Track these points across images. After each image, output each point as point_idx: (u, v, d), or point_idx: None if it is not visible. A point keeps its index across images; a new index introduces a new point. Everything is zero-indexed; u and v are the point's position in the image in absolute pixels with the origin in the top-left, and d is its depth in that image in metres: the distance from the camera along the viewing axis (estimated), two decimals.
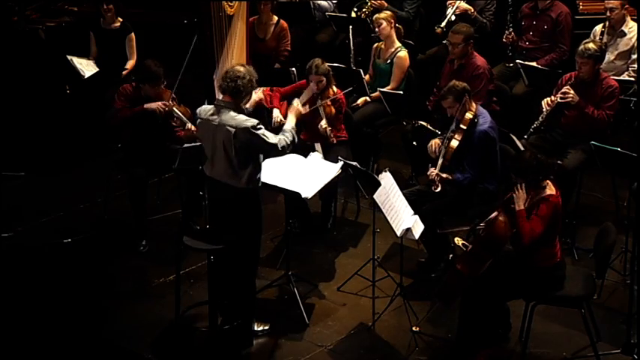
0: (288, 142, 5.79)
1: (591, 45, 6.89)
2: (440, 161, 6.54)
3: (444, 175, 6.52)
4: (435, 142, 6.71)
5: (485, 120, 6.56)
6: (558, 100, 6.93)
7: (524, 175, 5.61)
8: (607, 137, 6.82)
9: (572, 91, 6.89)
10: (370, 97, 8.00)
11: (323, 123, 7.12)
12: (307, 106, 6.99)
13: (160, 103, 7.06)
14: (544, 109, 6.96)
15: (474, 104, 6.58)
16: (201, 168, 6.07)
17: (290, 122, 5.96)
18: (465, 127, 6.49)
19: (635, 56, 7.60)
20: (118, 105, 7.11)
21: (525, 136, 6.97)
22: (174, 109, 7.11)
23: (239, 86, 5.72)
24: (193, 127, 6.87)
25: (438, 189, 6.51)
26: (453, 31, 7.58)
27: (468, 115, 6.50)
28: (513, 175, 5.69)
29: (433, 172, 6.54)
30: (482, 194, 6.53)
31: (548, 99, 7.00)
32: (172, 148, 7.04)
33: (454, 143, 6.50)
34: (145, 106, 7.05)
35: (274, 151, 5.76)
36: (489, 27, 8.49)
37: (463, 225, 6.02)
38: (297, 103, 6.21)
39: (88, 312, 6.39)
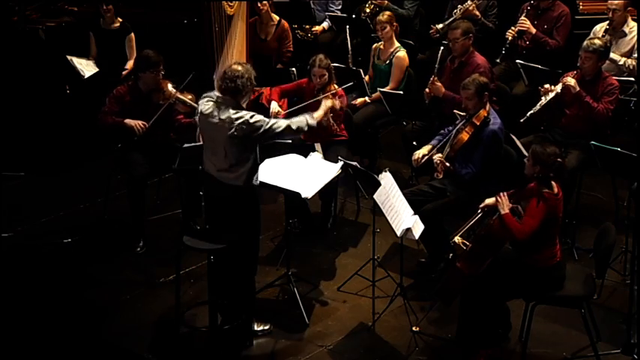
0: (298, 125, 5.79)
1: (597, 41, 6.98)
2: (447, 150, 6.54)
3: (447, 164, 6.52)
4: (418, 154, 6.67)
5: (496, 121, 6.57)
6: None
7: (538, 164, 5.61)
8: (607, 137, 6.82)
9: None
10: (370, 97, 8.01)
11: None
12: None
13: (139, 122, 7.01)
14: (542, 97, 6.97)
15: (488, 104, 6.58)
16: (201, 168, 6.07)
17: (314, 117, 5.95)
18: (477, 123, 6.49)
19: (635, 55, 7.61)
20: (106, 108, 7.08)
21: (522, 120, 6.98)
22: (180, 96, 7.13)
23: (238, 86, 5.72)
24: None
25: (440, 176, 6.52)
26: (451, 28, 7.60)
27: (483, 113, 6.50)
28: (530, 155, 5.68)
29: (438, 157, 6.53)
30: (482, 194, 6.52)
31: (548, 85, 6.99)
32: (175, 147, 7.06)
33: (464, 136, 6.50)
34: (126, 121, 7.01)
35: (278, 133, 5.73)
36: (494, 28, 8.48)
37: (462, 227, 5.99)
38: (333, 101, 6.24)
39: (88, 312, 6.39)
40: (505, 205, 5.63)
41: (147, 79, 7.07)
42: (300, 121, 5.85)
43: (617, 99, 7.00)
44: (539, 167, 5.63)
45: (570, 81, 6.92)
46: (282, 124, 5.73)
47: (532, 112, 7.00)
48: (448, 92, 7.40)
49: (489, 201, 5.89)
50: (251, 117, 5.67)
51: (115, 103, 7.09)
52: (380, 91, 7.75)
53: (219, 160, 5.77)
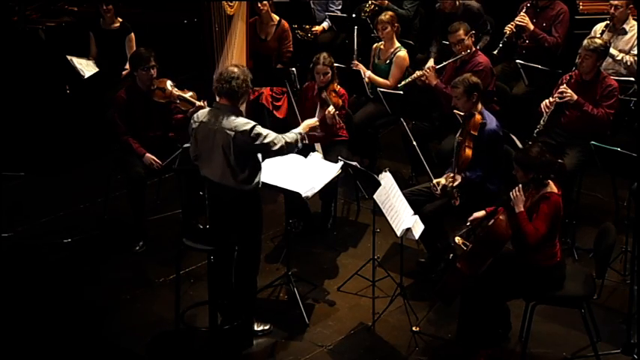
0: (288, 141, 5.79)
1: (597, 40, 7.00)
2: (456, 170, 6.49)
3: (458, 181, 6.46)
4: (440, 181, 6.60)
5: (491, 119, 6.53)
6: (557, 100, 6.93)
7: (528, 170, 5.60)
8: (607, 137, 6.82)
9: (569, 90, 6.91)
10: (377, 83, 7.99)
11: (331, 109, 7.10)
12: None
13: (156, 162, 7.06)
14: (544, 112, 6.96)
15: (480, 105, 6.53)
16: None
17: (299, 127, 6.03)
18: (475, 134, 6.42)
19: (634, 52, 7.60)
20: (121, 126, 7.09)
21: (530, 142, 6.93)
22: (179, 93, 7.13)
23: (233, 87, 5.69)
24: (202, 103, 6.98)
25: (457, 202, 6.46)
26: (451, 31, 7.59)
27: (477, 119, 6.44)
28: (517, 166, 5.68)
29: (453, 180, 6.45)
30: (483, 194, 6.52)
31: (547, 101, 6.99)
32: (175, 147, 7.06)
33: (468, 152, 6.42)
34: (146, 155, 7.05)
35: (273, 151, 5.76)
36: (489, 38, 8.47)
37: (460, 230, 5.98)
38: (314, 120, 6.22)
39: (87, 312, 6.39)
40: (520, 201, 5.61)
41: (141, 77, 7.11)
42: (292, 137, 5.85)
43: (617, 101, 7.00)
44: (532, 172, 5.61)
45: (566, 95, 6.89)
46: (279, 142, 5.72)
47: (538, 130, 6.95)
48: (440, 84, 7.45)
49: (478, 215, 5.89)
50: (251, 128, 5.65)
51: (124, 116, 7.12)
52: (380, 91, 7.74)
53: (220, 165, 5.74)
